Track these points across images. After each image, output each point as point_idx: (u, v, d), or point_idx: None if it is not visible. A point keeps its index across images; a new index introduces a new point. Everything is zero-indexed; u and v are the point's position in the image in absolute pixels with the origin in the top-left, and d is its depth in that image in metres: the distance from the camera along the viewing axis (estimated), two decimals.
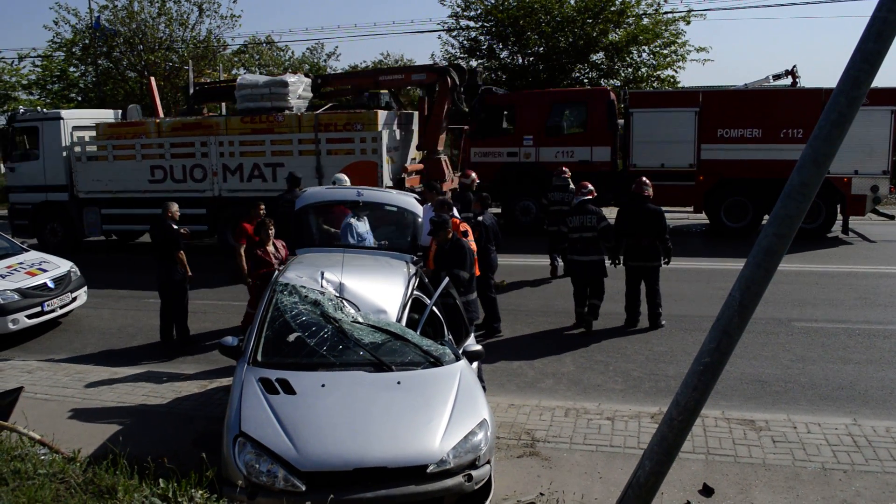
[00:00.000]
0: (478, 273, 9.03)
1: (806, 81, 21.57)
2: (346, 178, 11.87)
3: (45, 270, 11.13)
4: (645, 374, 8.52)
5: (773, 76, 21.93)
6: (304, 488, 4.70)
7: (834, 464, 6.06)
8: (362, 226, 9.09)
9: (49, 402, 7.89)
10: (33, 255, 11.70)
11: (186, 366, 9.32)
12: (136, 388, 8.31)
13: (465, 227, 9.20)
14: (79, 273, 11.73)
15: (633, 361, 8.95)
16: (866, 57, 3.27)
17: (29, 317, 10.47)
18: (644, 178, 10.26)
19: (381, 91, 32.93)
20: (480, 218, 10.02)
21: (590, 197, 10.45)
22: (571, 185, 12.80)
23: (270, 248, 9.13)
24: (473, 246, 9.03)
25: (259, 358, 5.84)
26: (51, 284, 10.94)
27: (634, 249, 9.99)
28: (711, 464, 6.14)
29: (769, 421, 6.90)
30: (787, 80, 21.57)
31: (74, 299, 11.32)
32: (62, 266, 11.51)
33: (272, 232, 9.22)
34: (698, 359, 3.84)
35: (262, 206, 10.30)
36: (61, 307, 11.03)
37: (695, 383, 3.83)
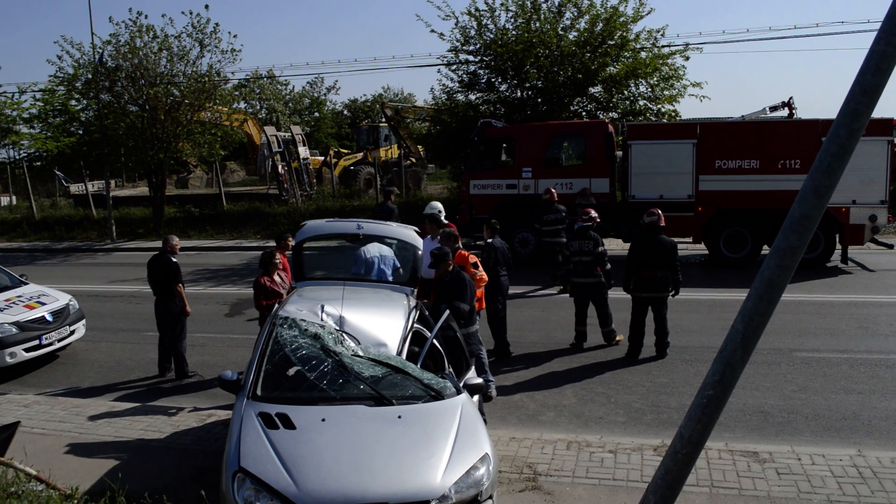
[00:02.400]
0: (483, 305, 9.12)
1: (802, 113, 21.84)
2: (439, 205, 11.70)
3: (43, 303, 11.11)
4: (646, 406, 8.46)
5: (770, 108, 22.19)
6: None
7: (840, 496, 6.00)
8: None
9: (46, 437, 7.83)
10: (32, 288, 11.68)
11: (185, 400, 9.26)
12: (134, 423, 8.24)
13: (473, 258, 9.29)
14: (77, 306, 11.70)
15: (635, 393, 8.90)
16: (865, 90, 3.29)
17: (27, 350, 10.42)
18: (657, 210, 10.31)
19: (381, 125, 33.24)
20: (491, 240, 10.19)
21: (590, 224, 10.82)
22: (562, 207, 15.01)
23: (277, 279, 9.15)
24: (485, 276, 9.15)
25: (258, 392, 5.80)
26: (49, 318, 10.91)
27: (648, 281, 10.03)
28: (716, 497, 6.07)
29: (773, 452, 6.84)
30: (784, 112, 21.81)
31: (72, 332, 11.28)
32: (61, 299, 11.49)
33: (278, 262, 9.25)
34: (702, 391, 3.81)
35: (291, 238, 10.09)
36: (59, 340, 10.98)
37: (698, 416, 3.80)
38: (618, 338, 10.85)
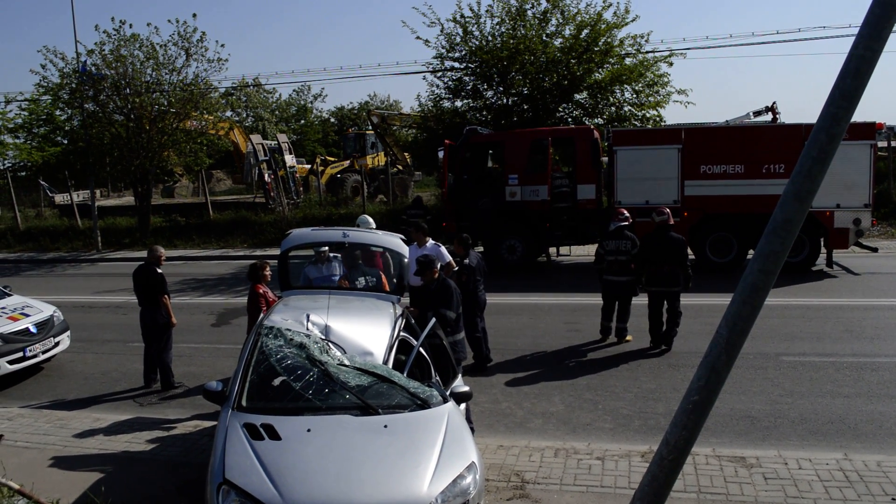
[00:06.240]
0: None
1: (786, 117, 21.97)
2: (370, 219, 11.68)
3: (27, 315, 11.00)
4: (634, 412, 8.46)
5: (754, 112, 22.30)
6: None
7: (826, 500, 6.00)
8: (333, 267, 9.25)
9: (29, 450, 7.73)
10: (16, 300, 11.56)
11: (171, 411, 9.18)
12: (119, 435, 8.16)
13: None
14: (62, 317, 11.59)
15: (622, 399, 8.90)
16: (845, 94, 3.31)
17: (10, 362, 10.31)
18: (666, 209, 10.91)
19: (367, 132, 33.22)
20: (467, 261, 10.04)
21: (626, 223, 11.13)
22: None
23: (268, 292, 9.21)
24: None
25: (244, 403, 5.75)
26: (33, 329, 10.80)
27: (655, 275, 10.65)
28: (703, 502, 6.06)
29: (760, 457, 6.85)
30: (768, 117, 21.94)
31: (57, 344, 11.17)
32: (45, 310, 11.38)
33: (266, 273, 9.28)
34: (687, 397, 3.81)
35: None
36: (44, 352, 10.87)
37: (684, 422, 3.80)
38: (628, 337, 11.21)
